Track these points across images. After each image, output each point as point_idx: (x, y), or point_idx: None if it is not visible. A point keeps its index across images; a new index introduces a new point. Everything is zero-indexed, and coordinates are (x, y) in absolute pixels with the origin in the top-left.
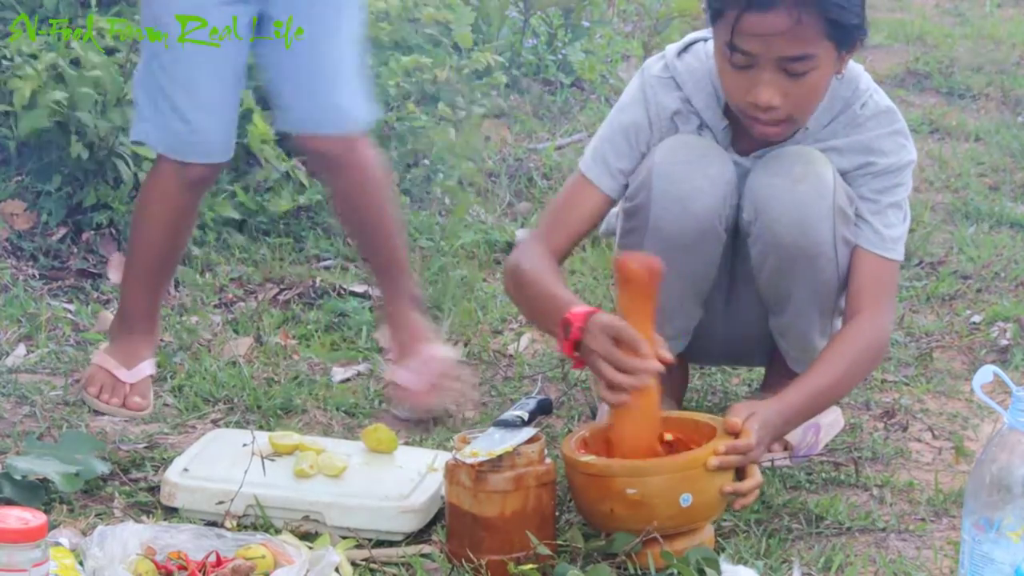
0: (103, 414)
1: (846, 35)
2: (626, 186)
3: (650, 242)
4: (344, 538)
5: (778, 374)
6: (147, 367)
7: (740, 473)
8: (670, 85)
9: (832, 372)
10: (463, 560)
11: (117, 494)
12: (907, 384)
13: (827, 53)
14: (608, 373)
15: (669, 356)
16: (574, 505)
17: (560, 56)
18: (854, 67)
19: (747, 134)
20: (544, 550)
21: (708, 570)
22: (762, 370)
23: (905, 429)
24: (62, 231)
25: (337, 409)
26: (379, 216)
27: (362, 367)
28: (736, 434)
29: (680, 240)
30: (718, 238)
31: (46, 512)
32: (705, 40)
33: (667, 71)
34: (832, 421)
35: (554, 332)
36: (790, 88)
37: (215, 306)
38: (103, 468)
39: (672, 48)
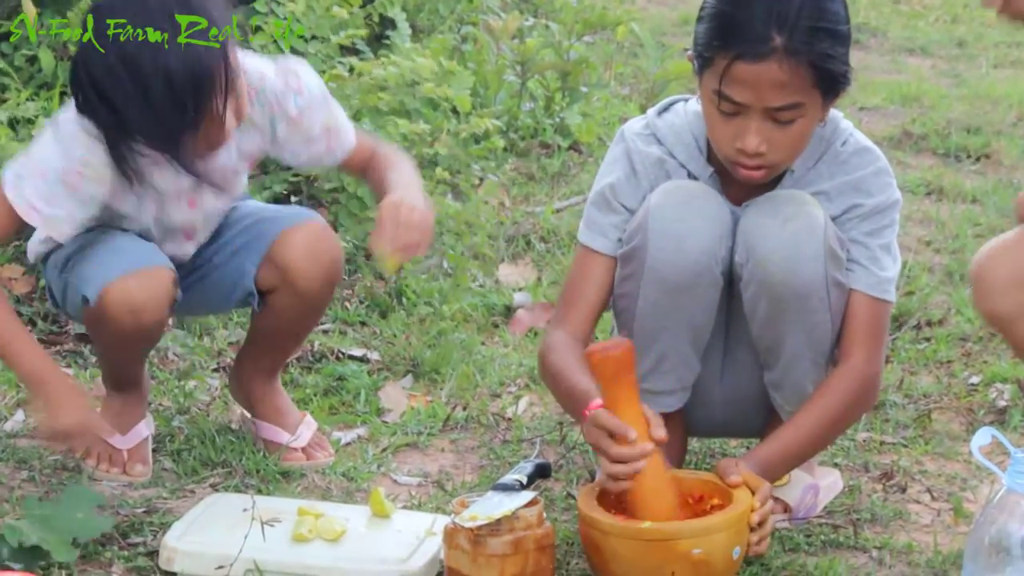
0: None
1: (833, 84)
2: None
3: (647, 286)
4: None
5: None
6: (143, 429)
7: None
8: (651, 139)
9: (818, 423)
10: None
11: (116, 559)
12: (905, 446)
13: (814, 101)
14: (604, 466)
15: (662, 434)
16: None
17: (557, 119)
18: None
19: (735, 181)
20: None
21: None
22: None
23: (904, 491)
24: None
25: (336, 473)
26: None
27: (361, 431)
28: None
29: (677, 281)
30: (714, 280)
31: None
32: (685, 100)
33: (648, 128)
34: (831, 483)
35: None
36: (777, 136)
37: (213, 370)
38: (106, 525)
39: (652, 109)
